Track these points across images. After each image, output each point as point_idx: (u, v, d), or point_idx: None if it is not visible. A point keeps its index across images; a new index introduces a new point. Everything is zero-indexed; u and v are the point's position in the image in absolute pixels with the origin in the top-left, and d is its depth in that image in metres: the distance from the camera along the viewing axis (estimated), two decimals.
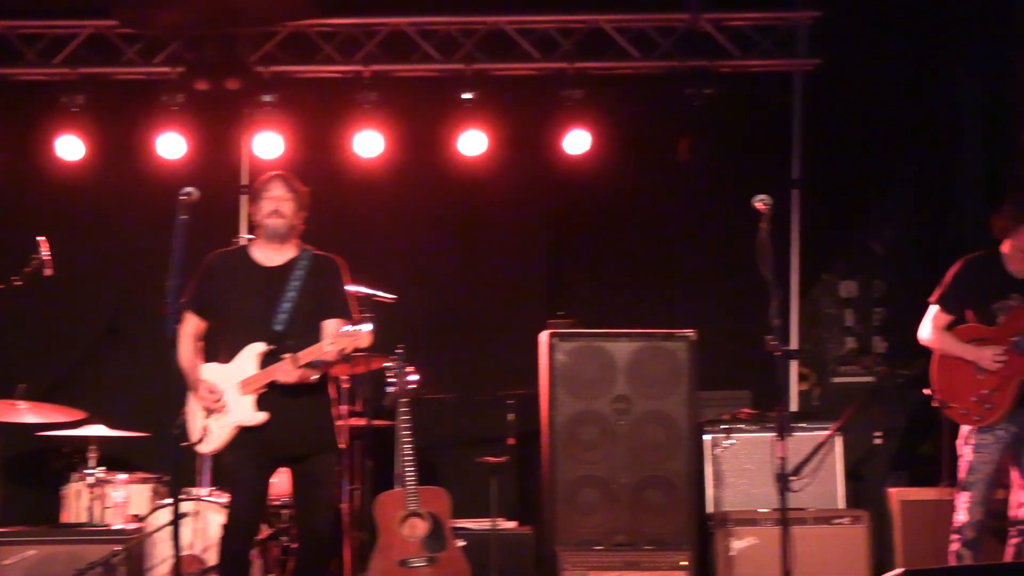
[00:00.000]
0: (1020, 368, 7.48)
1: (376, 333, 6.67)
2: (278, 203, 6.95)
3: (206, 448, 6.96)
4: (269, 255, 7.01)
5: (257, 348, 6.83)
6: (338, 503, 8.10)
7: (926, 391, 7.76)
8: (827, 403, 9.95)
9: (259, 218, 7.01)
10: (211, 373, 6.92)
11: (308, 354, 6.71)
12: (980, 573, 7.22)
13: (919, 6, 9.83)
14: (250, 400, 6.82)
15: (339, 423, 7.19)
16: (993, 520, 7.70)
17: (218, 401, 6.83)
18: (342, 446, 7.21)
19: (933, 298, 7.72)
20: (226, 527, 7.03)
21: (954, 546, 7.56)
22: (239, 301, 6.94)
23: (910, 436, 9.65)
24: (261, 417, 6.80)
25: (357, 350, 6.71)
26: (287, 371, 6.72)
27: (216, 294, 6.98)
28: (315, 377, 6.83)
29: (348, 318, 6.93)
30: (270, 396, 6.80)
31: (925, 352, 7.82)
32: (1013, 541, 7.55)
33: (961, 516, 7.55)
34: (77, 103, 9.60)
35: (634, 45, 9.76)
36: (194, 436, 6.92)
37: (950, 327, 7.68)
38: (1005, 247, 7.64)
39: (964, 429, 7.60)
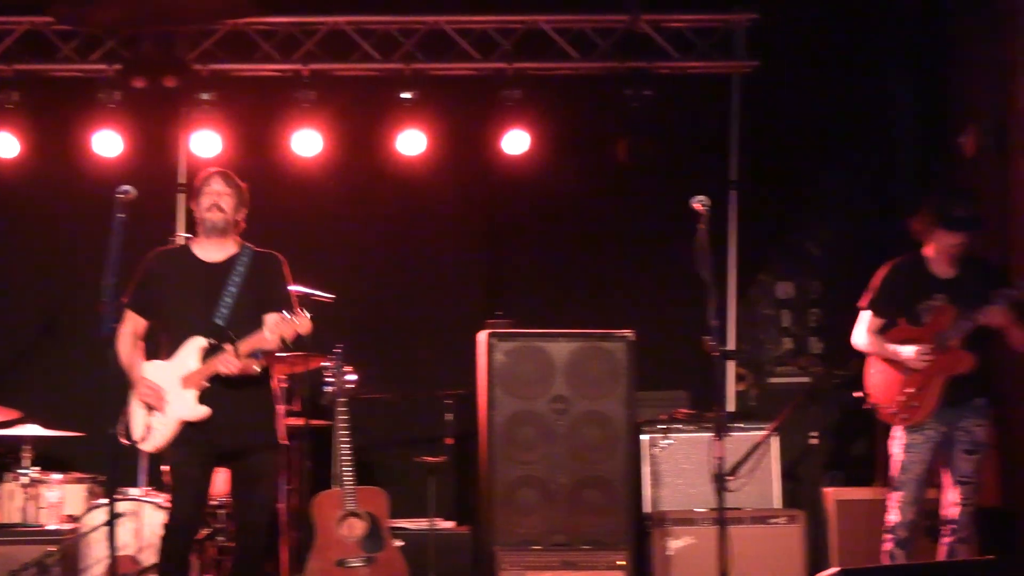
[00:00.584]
0: (944, 365, 7.55)
1: (314, 333, 6.67)
2: (218, 198, 6.99)
3: (149, 446, 6.95)
4: (210, 251, 7.02)
5: (199, 343, 6.83)
6: (276, 502, 8.07)
7: (857, 394, 7.83)
8: (764, 403, 9.98)
9: (199, 213, 7.04)
10: (153, 370, 6.91)
11: (249, 344, 6.72)
12: (913, 572, 7.29)
13: (855, 9, 9.89)
14: (192, 395, 6.82)
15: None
16: (925, 520, 7.77)
17: (160, 399, 6.81)
18: (284, 443, 7.16)
19: (863, 303, 7.78)
20: (167, 526, 7.02)
21: (887, 546, 7.62)
22: (180, 297, 6.95)
23: (845, 436, 9.72)
24: (203, 411, 6.80)
25: (298, 337, 6.72)
26: (229, 362, 6.73)
27: (157, 292, 6.98)
28: (257, 368, 6.83)
29: (290, 312, 6.93)
30: (212, 391, 6.81)
31: (861, 353, 7.88)
32: (945, 540, 7.59)
33: (893, 516, 7.61)
34: (12, 100, 9.50)
35: (573, 46, 9.77)
36: (137, 434, 6.90)
37: (882, 331, 7.75)
38: (928, 250, 7.71)
39: (895, 429, 7.67)
